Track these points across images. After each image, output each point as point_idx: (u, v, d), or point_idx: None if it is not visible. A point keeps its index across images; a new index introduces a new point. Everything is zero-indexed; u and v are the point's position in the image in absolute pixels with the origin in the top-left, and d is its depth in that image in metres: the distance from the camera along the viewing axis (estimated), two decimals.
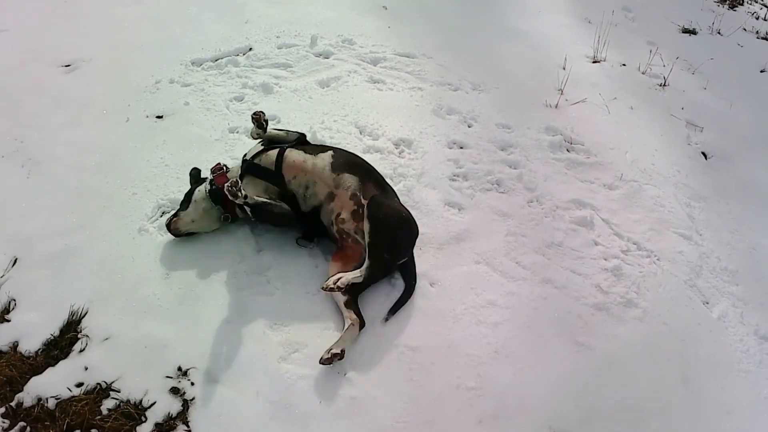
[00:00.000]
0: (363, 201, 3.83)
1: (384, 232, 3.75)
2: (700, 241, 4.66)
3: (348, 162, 4.02)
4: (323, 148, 4.11)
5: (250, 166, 4.02)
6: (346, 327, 3.56)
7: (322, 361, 3.39)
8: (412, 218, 3.99)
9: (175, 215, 4.03)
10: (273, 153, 4.00)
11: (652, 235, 4.58)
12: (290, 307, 3.69)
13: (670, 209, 4.84)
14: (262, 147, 4.10)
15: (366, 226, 3.74)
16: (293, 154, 3.98)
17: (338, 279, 3.52)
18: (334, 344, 3.46)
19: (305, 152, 4.01)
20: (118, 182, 4.40)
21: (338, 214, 3.88)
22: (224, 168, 4.15)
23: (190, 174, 4.35)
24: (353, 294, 3.70)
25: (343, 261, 3.86)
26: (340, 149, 4.20)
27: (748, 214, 5.04)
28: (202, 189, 4.10)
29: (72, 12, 6.37)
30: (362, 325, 3.61)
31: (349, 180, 3.91)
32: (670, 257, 4.46)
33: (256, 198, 3.80)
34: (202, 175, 4.31)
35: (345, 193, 3.89)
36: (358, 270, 3.65)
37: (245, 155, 4.12)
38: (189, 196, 4.10)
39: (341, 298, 3.66)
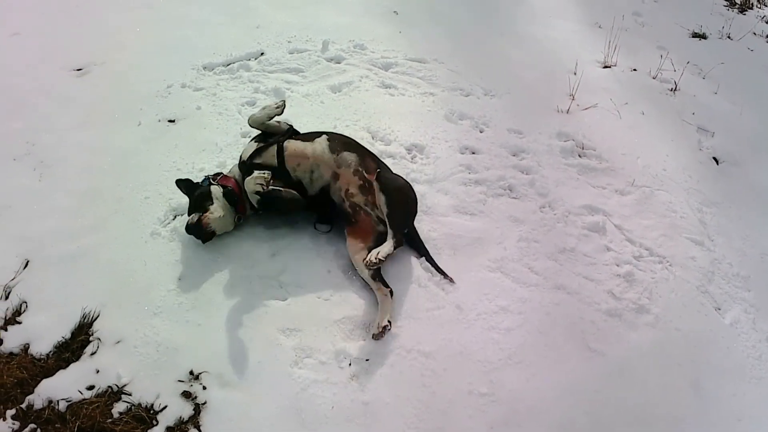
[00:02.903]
0: (367, 176, 4.00)
1: (399, 203, 3.96)
2: (711, 247, 4.65)
3: (342, 142, 4.19)
4: (317, 134, 4.22)
5: (251, 168, 4.04)
6: (381, 300, 3.74)
7: (375, 337, 3.57)
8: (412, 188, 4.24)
9: (202, 212, 3.88)
10: (272, 149, 4.08)
11: (664, 241, 4.56)
12: (303, 311, 3.69)
13: (682, 215, 4.82)
14: (256, 145, 4.15)
15: (381, 199, 3.92)
16: (292, 145, 4.08)
17: (377, 253, 3.67)
18: (380, 318, 3.63)
19: (302, 140, 4.12)
20: (130, 186, 4.40)
21: (347, 190, 4.04)
22: (220, 173, 4.21)
23: (182, 184, 4.16)
24: (376, 269, 3.84)
25: (357, 234, 4.02)
26: (332, 132, 4.34)
27: (760, 219, 5.03)
28: (217, 189, 4.03)
29: (83, 16, 6.37)
30: (392, 293, 3.78)
31: (349, 157, 4.07)
32: (682, 263, 4.44)
33: (276, 187, 3.93)
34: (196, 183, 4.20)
35: (348, 170, 4.05)
36: (387, 243, 3.78)
37: (241, 157, 4.16)
38: (205, 194, 3.99)
39: (367, 274, 3.81)
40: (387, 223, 3.91)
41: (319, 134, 4.20)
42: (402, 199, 3.99)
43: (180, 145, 4.75)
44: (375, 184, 3.96)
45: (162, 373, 3.39)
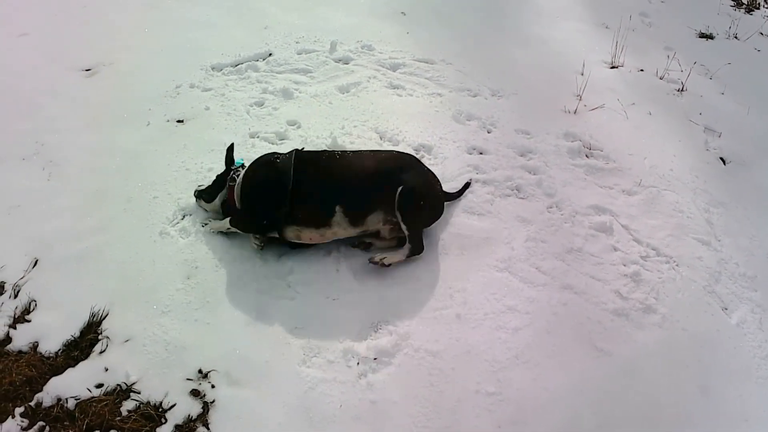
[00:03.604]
0: (397, 219, 3.95)
1: (415, 217, 3.98)
2: (718, 247, 4.64)
3: (362, 204, 3.94)
4: (329, 207, 3.88)
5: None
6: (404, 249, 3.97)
7: (371, 260, 3.90)
8: (435, 187, 4.24)
9: (201, 194, 4.27)
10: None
11: (671, 241, 4.55)
12: (311, 311, 3.70)
13: (689, 215, 4.81)
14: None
15: (398, 216, 3.91)
16: (306, 235, 3.93)
17: (384, 258, 3.87)
18: (389, 255, 3.91)
19: (316, 226, 3.91)
20: (139, 185, 4.42)
21: (377, 232, 4.05)
22: (236, 179, 4.15)
23: (228, 150, 4.34)
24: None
25: None
26: (346, 194, 3.92)
27: (766, 219, 5.01)
28: (223, 194, 4.17)
29: (91, 17, 6.41)
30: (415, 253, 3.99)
31: (375, 218, 3.97)
32: (689, 263, 4.44)
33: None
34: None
35: (376, 225, 4.00)
36: (401, 251, 3.93)
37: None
38: (219, 186, 4.22)
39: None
40: (406, 232, 3.92)
41: (332, 208, 3.87)
42: (418, 214, 4.02)
43: (188, 145, 4.77)
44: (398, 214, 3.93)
45: (171, 371, 3.41)
